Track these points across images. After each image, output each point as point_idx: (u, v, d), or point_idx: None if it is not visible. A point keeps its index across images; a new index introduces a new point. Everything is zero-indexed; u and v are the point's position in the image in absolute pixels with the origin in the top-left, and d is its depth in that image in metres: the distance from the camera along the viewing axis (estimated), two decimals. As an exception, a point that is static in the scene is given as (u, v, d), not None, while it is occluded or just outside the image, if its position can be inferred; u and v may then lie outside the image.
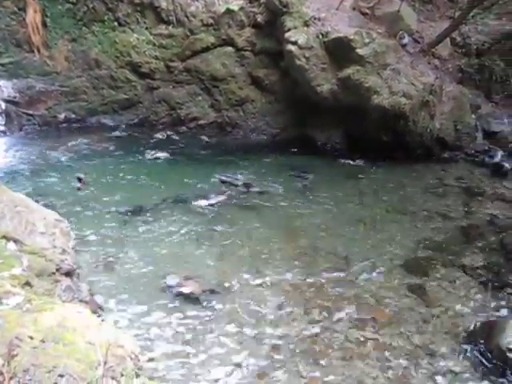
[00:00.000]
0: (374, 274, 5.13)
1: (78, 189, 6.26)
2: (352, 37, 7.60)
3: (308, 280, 4.96)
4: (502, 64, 9.39)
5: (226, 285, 4.78)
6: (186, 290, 4.54)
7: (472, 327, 4.50)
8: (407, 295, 4.86)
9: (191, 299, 4.54)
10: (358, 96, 7.75)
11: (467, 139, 8.70)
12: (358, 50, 7.59)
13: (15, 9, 8.23)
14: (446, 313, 4.67)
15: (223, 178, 6.76)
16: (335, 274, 5.10)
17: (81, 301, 3.30)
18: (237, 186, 6.67)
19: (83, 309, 2.13)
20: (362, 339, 4.27)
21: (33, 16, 8.20)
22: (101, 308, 3.78)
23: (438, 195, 7.12)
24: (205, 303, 4.50)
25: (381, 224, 6.17)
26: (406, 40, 8.09)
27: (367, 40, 7.65)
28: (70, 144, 7.78)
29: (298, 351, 4.08)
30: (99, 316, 3.57)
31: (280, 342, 4.15)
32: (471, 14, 8.58)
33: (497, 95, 9.60)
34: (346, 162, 7.96)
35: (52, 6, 8.29)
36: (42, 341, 1.55)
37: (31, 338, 1.53)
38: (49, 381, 1.36)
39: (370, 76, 7.65)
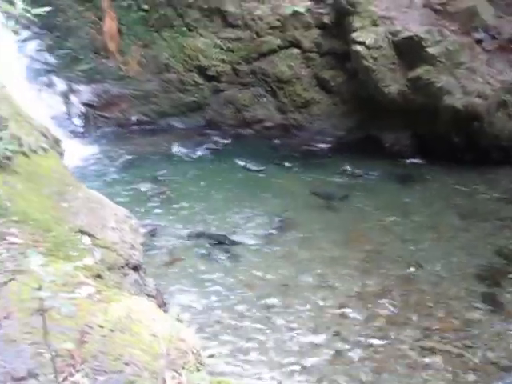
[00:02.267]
0: (444, 283, 4.91)
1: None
2: (423, 35, 7.31)
3: (373, 286, 4.83)
4: None
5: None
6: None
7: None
8: (479, 307, 4.60)
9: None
10: (429, 96, 7.44)
11: (550, 142, 8.08)
12: (429, 49, 7.29)
13: (94, 18, 8.74)
14: (523, 327, 4.37)
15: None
16: (402, 281, 4.94)
17: (147, 295, 3.43)
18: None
19: (149, 302, 2.21)
20: (428, 350, 4.10)
21: (109, 24, 8.67)
22: (165, 303, 3.90)
23: (515, 202, 6.66)
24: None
25: (451, 231, 5.88)
26: (482, 36, 7.66)
27: (439, 38, 7.34)
28: (142, 145, 8.13)
29: (359, 359, 4.00)
30: (164, 310, 3.69)
31: (342, 348, 4.08)
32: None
33: None
34: (415, 164, 7.66)
35: (127, 14, 8.71)
36: (111, 330, 1.62)
37: (101, 326, 1.61)
38: (115, 368, 1.43)
39: (442, 75, 7.32)
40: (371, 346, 4.13)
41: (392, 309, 4.54)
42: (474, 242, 5.63)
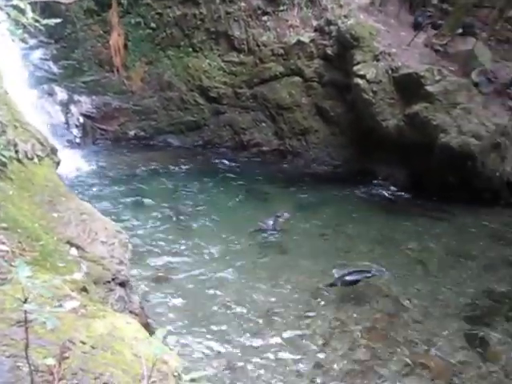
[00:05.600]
0: (430, 320, 4.88)
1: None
2: (422, 73, 7.47)
3: (358, 318, 4.80)
4: None
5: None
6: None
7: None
8: (463, 346, 4.57)
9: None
10: (425, 134, 7.55)
11: (540, 186, 8.18)
12: (428, 87, 7.43)
13: (101, 32, 8.86)
14: (505, 371, 4.34)
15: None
16: (386, 316, 4.91)
17: (131, 312, 3.37)
18: None
19: (133, 320, 2.17)
20: (411, 387, 4.06)
21: (116, 39, 8.79)
22: (148, 322, 3.84)
23: (504, 243, 6.69)
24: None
25: (440, 267, 5.88)
26: (479, 79, 7.82)
27: (438, 77, 7.49)
28: (138, 160, 8.14)
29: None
30: (147, 329, 3.62)
31: (325, 380, 4.03)
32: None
33: None
34: (407, 200, 7.71)
35: (134, 30, 8.85)
36: (92, 347, 1.59)
37: (83, 342, 1.58)
38: (94, 387, 1.40)
39: (439, 114, 7.44)
40: (350, 376, 4.08)
41: (375, 342, 4.50)
42: (461, 280, 5.63)
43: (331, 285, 5.12)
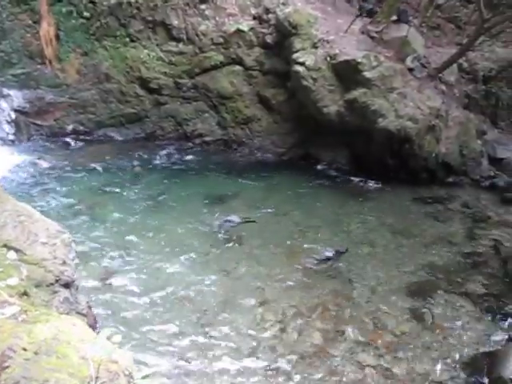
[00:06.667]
0: (376, 298, 5.08)
1: None
2: (360, 60, 7.66)
3: (310, 301, 4.91)
4: (508, 91, 9.43)
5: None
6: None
7: (474, 356, 4.43)
8: (409, 320, 4.80)
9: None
10: (364, 118, 7.78)
11: (473, 164, 8.66)
12: (365, 73, 7.64)
13: (30, 22, 8.39)
14: (448, 340, 4.60)
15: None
16: (336, 296, 5.06)
17: (78, 313, 3.27)
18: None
19: (79, 321, 2.11)
20: (360, 364, 4.22)
21: (46, 29, 8.35)
22: (97, 321, 3.74)
23: (443, 220, 7.06)
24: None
25: (383, 246, 6.12)
26: (413, 64, 8.14)
27: (375, 63, 7.71)
28: (77, 156, 7.84)
29: (295, 372, 4.03)
30: (95, 329, 3.54)
31: (277, 365, 4.10)
32: (478, 41, 8.63)
33: (503, 122, 9.60)
34: (351, 182, 7.94)
35: (66, 20, 8.44)
36: (35, 353, 1.53)
37: (24, 349, 1.51)
38: (39, 395, 1.34)
39: (377, 99, 7.68)
40: (305, 360, 4.18)
41: (326, 324, 4.63)
42: (403, 257, 5.90)
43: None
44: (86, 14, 8.48)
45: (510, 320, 4.99)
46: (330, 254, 5.71)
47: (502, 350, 4.39)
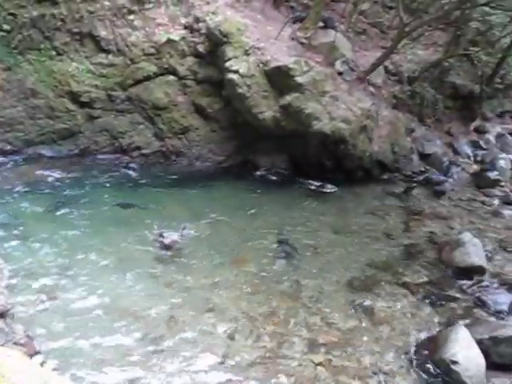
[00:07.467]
0: (323, 297, 5.18)
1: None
2: (291, 65, 7.83)
3: (259, 306, 4.91)
4: (431, 90, 10.02)
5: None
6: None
7: (418, 343, 4.63)
8: (355, 315, 4.93)
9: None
10: (299, 122, 7.95)
11: (404, 161, 9.12)
12: (297, 78, 7.82)
13: None
14: (393, 330, 4.78)
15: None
16: (285, 299, 5.10)
17: (16, 343, 3.09)
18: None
19: (15, 352, 1.99)
20: (312, 363, 4.27)
21: (-38, 44, 7.86)
22: (37, 350, 3.53)
23: (380, 216, 7.35)
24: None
25: (327, 245, 6.27)
26: (342, 68, 8.43)
27: (306, 68, 7.91)
28: (6, 176, 7.39)
29: (251, 378, 4.01)
30: (35, 358, 3.35)
31: (232, 372, 4.06)
32: (401, 44, 9.10)
33: (428, 119, 10.19)
34: (291, 186, 8.07)
35: (-16, 34, 8.00)
36: (-36, 388, 1.41)
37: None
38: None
39: (310, 103, 7.88)
40: (258, 363, 4.17)
41: (277, 327, 4.65)
42: (347, 255, 6.06)
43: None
44: (5, 26, 8.06)
45: (447, 304, 5.27)
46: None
47: (442, 333, 4.62)
